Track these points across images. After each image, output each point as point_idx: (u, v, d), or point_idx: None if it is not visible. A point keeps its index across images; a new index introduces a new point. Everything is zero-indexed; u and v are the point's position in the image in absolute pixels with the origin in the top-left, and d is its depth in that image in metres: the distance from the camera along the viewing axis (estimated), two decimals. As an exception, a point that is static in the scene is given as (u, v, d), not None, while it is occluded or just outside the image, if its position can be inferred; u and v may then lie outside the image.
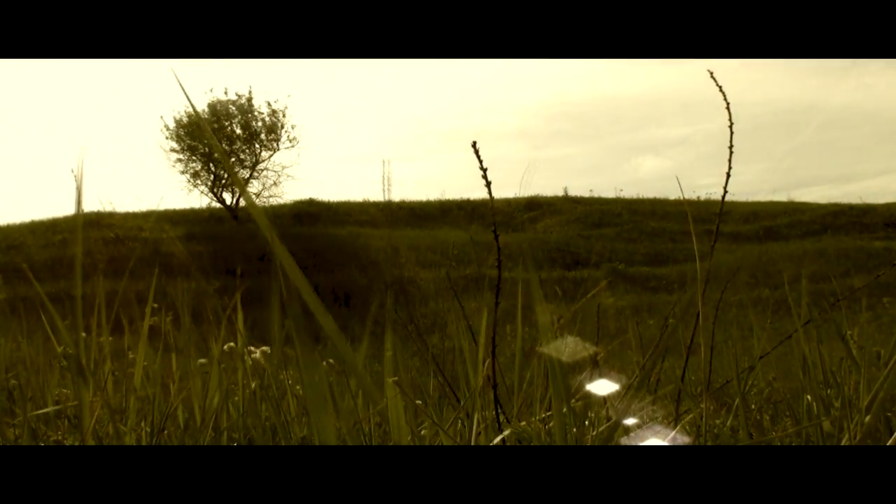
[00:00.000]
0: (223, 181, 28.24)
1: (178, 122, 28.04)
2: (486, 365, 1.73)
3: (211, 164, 28.19)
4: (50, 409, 2.09)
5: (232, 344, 2.17)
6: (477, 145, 1.42)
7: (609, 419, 1.66)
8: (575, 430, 1.62)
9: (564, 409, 1.35)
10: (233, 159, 28.04)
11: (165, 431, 1.87)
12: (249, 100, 28.54)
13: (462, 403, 1.72)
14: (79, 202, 1.05)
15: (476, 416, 1.62)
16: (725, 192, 1.67)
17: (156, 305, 2.22)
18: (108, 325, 2.03)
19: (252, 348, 2.24)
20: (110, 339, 2.11)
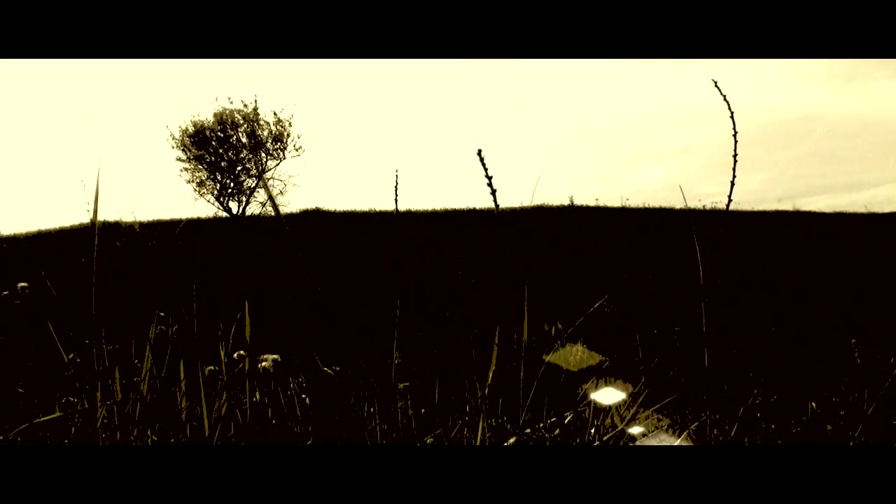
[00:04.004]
0: (229, 190, 28.33)
1: (184, 132, 28.18)
2: (492, 373, 1.74)
3: (217, 174, 28.30)
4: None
5: (242, 352, 2.18)
6: (482, 153, 1.43)
7: (614, 427, 1.67)
8: (580, 438, 1.62)
9: (569, 417, 1.36)
10: (239, 168, 28.14)
11: (172, 440, 1.88)
12: (255, 109, 28.69)
13: (468, 410, 1.73)
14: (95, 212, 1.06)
15: (481, 424, 1.62)
16: (730, 200, 1.67)
17: (163, 314, 2.23)
18: (115, 333, 2.04)
19: (261, 357, 2.25)
20: (118, 347, 2.12)
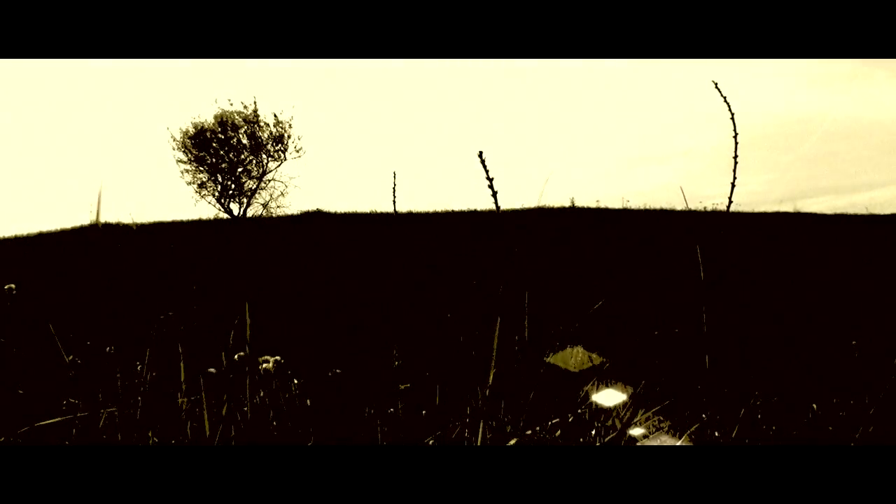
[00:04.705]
0: (230, 191, 28.37)
1: (185, 133, 28.23)
2: (492, 374, 1.74)
3: (218, 175, 28.34)
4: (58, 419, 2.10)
5: (243, 353, 2.18)
6: (483, 155, 1.43)
7: (616, 428, 1.66)
8: (582, 439, 1.62)
9: (570, 419, 1.36)
10: (240, 170, 28.19)
11: (172, 441, 1.88)
12: (255, 110, 28.74)
13: (468, 412, 1.73)
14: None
15: (482, 425, 1.62)
16: (730, 201, 1.67)
17: (163, 315, 2.23)
18: (116, 335, 2.04)
19: (262, 358, 2.25)
20: (119, 348, 2.12)
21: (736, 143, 1.44)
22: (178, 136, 28.20)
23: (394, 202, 1.73)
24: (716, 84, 1.43)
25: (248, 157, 28.63)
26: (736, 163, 1.46)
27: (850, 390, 1.86)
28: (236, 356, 2.19)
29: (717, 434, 1.81)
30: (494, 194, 1.48)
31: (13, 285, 2.21)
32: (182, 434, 2.00)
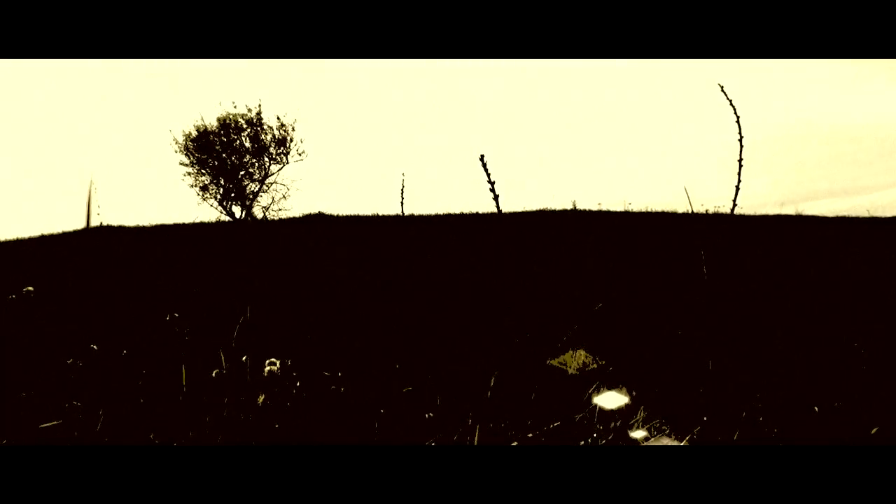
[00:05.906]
0: (232, 194, 28.36)
1: (187, 136, 28.23)
2: (495, 377, 1.74)
3: (220, 178, 28.32)
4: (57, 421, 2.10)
5: (245, 357, 2.18)
6: (485, 158, 1.43)
7: (617, 431, 1.66)
8: (583, 441, 1.62)
9: (573, 420, 1.36)
10: (242, 172, 28.18)
11: (175, 442, 1.89)
12: (258, 113, 28.76)
13: (471, 414, 1.73)
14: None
15: (482, 427, 1.62)
16: (735, 204, 1.67)
17: (167, 318, 2.23)
18: (118, 337, 2.04)
19: (267, 361, 2.25)
20: (121, 351, 2.12)
21: (741, 146, 1.43)
22: (181, 139, 28.22)
23: (402, 203, 1.73)
24: (722, 87, 1.42)
25: (250, 159, 28.63)
26: (741, 165, 1.45)
27: (852, 392, 1.85)
28: (242, 359, 2.19)
29: (718, 437, 1.80)
30: (496, 197, 1.48)
31: (31, 288, 2.21)
32: (184, 435, 2.00)
